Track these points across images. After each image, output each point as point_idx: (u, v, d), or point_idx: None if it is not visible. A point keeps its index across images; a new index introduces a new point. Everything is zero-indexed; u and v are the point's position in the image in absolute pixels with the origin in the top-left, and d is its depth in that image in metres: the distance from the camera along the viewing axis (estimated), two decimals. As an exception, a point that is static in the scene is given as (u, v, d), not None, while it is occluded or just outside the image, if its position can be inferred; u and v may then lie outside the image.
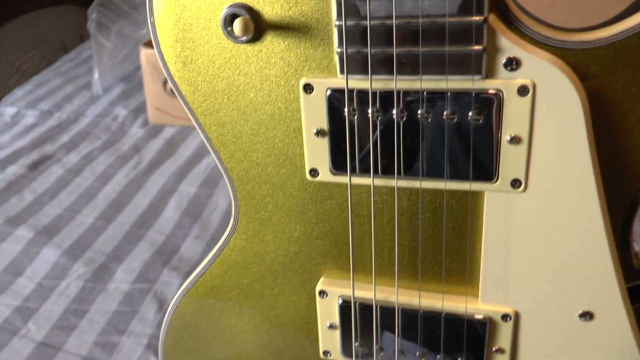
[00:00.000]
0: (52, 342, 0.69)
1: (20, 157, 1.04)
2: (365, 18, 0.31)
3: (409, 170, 0.35)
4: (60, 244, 0.84)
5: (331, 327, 0.41)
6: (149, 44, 1.15)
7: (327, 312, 0.41)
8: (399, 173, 0.35)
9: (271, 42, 0.35)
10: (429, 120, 0.33)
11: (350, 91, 0.34)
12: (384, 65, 0.32)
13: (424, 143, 0.34)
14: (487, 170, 0.34)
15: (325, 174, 0.37)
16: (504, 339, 0.38)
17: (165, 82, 1.13)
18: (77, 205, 0.93)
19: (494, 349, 0.38)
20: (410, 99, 0.33)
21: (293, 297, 0.43)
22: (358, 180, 0.36)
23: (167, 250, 0.83)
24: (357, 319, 0.40)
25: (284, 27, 0.34)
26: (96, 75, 1.25)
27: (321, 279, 0.41)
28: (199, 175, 1.01)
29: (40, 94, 1.30)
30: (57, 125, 1.16)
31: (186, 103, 0.39)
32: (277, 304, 0.44)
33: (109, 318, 0.72)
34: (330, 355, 0.43)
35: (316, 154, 0.36)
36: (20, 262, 0.81)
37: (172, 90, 1.14)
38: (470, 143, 0.33)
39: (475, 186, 0.34)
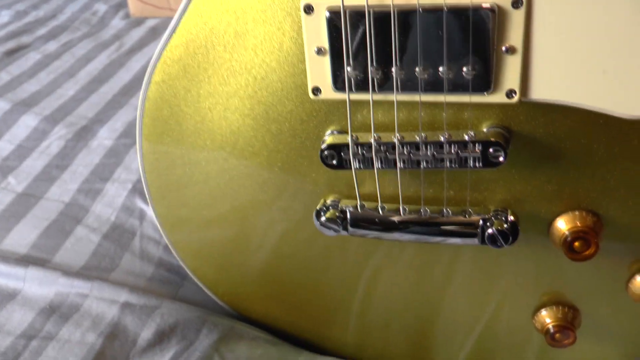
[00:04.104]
0: (34, 192, 0.65)
1: (-6, 47, 0.99)
2: None
3: None
4: (40, 112, 0.79)
5: (319, 52, 0.37)
6: None
7: (314, 33, 0.36)
8: None
9: None
10: None
11: None
12: None
13: None
14: None
15: None
16: (514, 33, 0.33)
17: (144, -32, 1.08)
18: (57, 83, 0.88)
19: (503, 48, 0.34)
20: None
21: (279, 25, 0.38)
22: None
23: (152, 112, 0.79)
24: (348, 35, 0.35)
25: None
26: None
27: (305, -5, 0.36)
28: (184, 53, 0.95)
29: (14, -1, 1.24)
30: (34, 21, 1.10)
31: None
32: (264, 43, 0.39)
33: (92, 169, 0.69)
34: (321, 93, 0.38)
35: None
36: (-3, 129, 0.76)
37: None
38: None
39: None
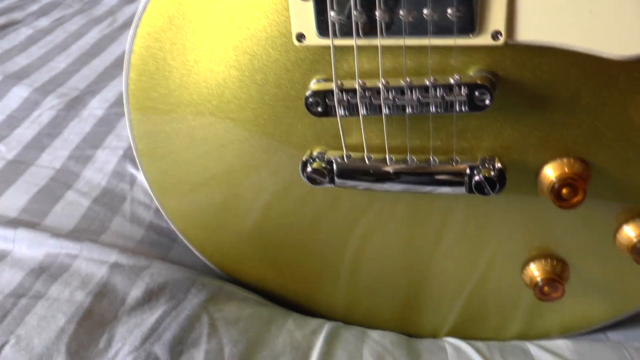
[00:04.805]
0: (24, 159, 0.65)
1: (-15, 22, 0.99)
2: None
3: None
4: (30, 84, 0.79)
5: (304, -4, 0.36)
6: None
7: (299, -22, 0.36)
8: None
9: None
10: None
11: None
12: None
13: None
14: None
15: None
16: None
17: (137, -57, 1.07)
18: (48, 56, 0.87)
19: (488, -14, 0.34)
20: None
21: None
22: None
23: (144, 83, 0.79)
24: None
25: None
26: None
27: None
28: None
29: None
30: (26, -2, 1.10)
31: None
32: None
33: (83, 137, 0.68)
34: (305, 39, 0.38)
35: None
36: (-12, 101, 0.76)
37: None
38: None
39: None
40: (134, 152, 0.48)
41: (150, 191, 0.50)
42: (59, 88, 0.78)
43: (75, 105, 0.74)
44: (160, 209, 0.51)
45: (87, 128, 0.69)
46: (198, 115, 0.44)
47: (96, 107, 0.73)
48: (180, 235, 0.52)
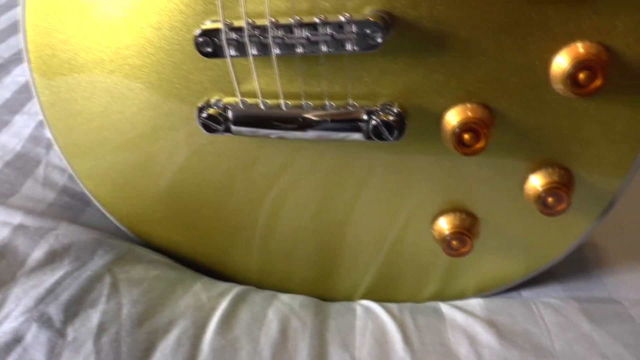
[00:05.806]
0: None
1: None
2: None
3: None
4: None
5: None
6: None
7: None
8: None
9: None
10: None
11: None
12: None
13: None
14: None
15: None
16: None
17: None
18: (-26, 27, 0.84)
19: None
20: None
21: None
22: None
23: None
24: None
25: None
26: None
27: None
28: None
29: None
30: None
31: None
32: None
33: (2, 103, 0.65)
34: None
35: None
36: None
37: None
38: None
39: None
40: (38, 106, 0.46)
41: (57, 148, 0.48)
42: (-19, 56, 0.74)
43: (-3, 72, 0.71)
44: (68, 167, 0.49)
45: (7, 94, 0.67)
46: (98, 62, 0.42)
47: (19, 75, 0.70)
48: (90, 196, 0.50)
